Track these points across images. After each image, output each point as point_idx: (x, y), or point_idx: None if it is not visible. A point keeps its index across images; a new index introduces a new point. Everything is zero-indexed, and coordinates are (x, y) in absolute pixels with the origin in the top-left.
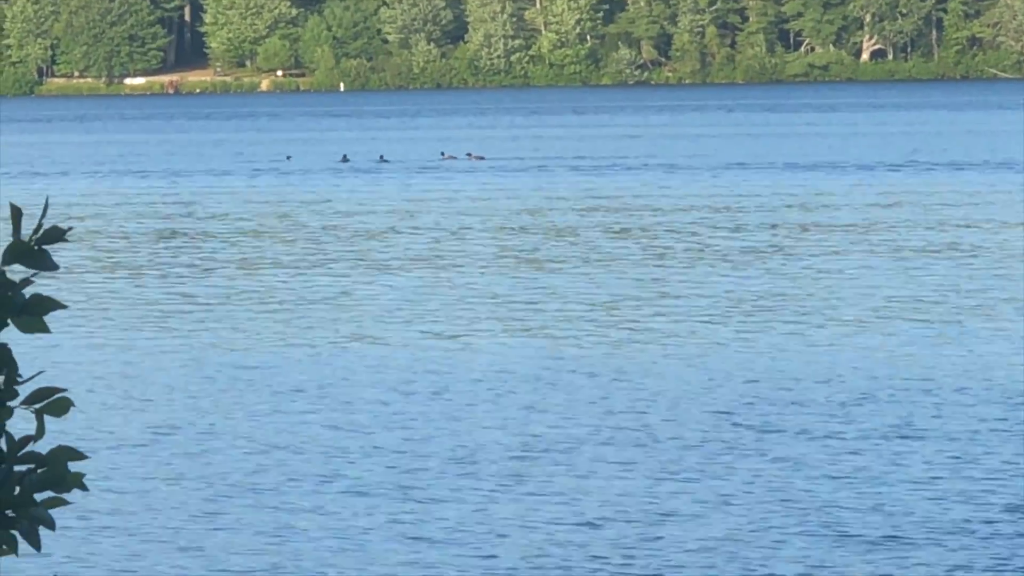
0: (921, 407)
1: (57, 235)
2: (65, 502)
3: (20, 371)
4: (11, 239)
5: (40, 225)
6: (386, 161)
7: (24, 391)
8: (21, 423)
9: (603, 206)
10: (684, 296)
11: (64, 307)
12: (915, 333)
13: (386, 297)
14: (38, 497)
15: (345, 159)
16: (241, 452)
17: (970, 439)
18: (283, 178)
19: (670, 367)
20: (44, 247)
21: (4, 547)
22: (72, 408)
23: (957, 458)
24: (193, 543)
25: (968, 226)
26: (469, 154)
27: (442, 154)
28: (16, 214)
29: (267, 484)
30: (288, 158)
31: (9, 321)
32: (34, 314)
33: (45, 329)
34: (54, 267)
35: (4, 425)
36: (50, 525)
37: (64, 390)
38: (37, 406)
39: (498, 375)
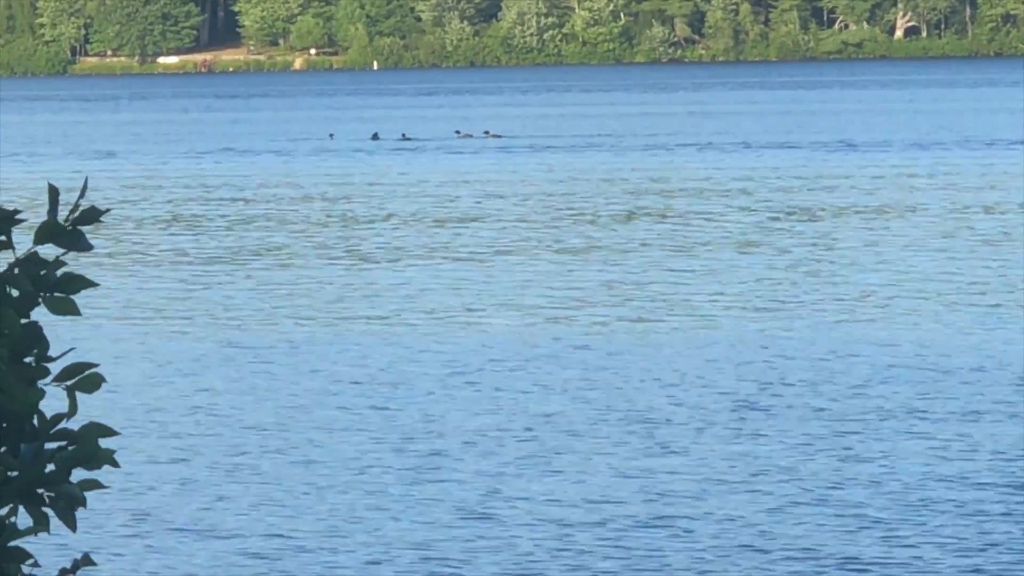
0: (940, 390)
1: (93, 216)
2: (101, 485)
3: (50, 350)
4: (46, 218)
5: (77, 205)
6: (408, 139)
7: (54, 370)
8: (51, 401)
9: (615, 186)
10: (705, 278)
11: (95, 285)
12: (943, 316)
13: (398, 283)
14: (73, 478)
15: (376, 137)
16: (262, 436)
17: (992, 422)
18: (314, 157)
19: (690, 349)
20: (79, 227)
21: (37, 524)
22: (103, 384)
23: (974, 441)
24: (209, 526)
25: (1004, 208)
26: (486, 132)
27: (457, 132)
28: (53, 194)
29: (284, 467)
30: (331, 136)
31: (40, 302)
32: (66, 292)
33: (76, 311)
34: (88, 248)
35: (37, 405)
36: (81, 502)
37: (95, 365)
38: (69, 383)
39: (520, 360)
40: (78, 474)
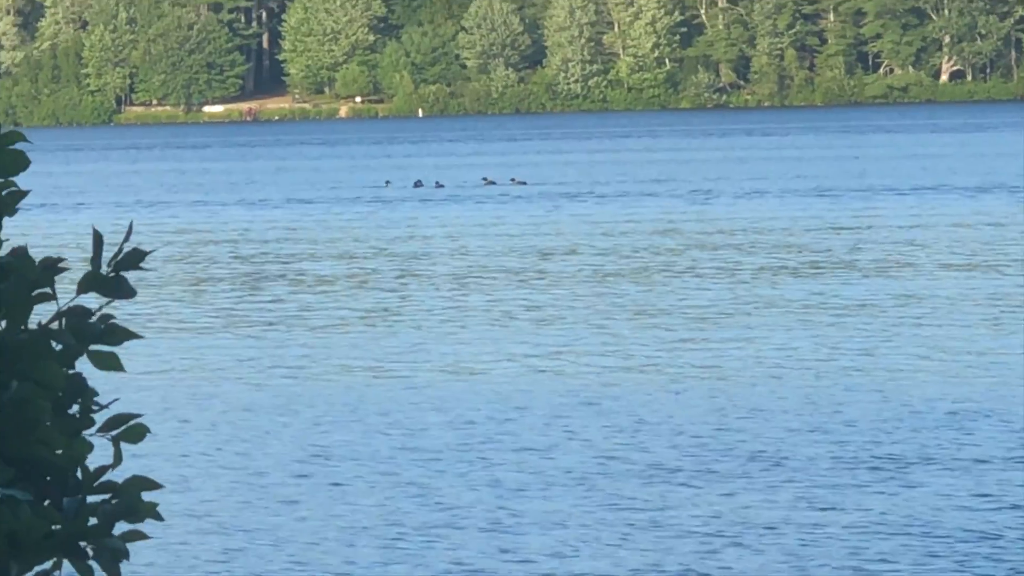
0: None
1: (138, 259)
2: (144, 536)
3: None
4: (89, 268)
5: (121, 249)
6: (441, 186)
7: (99, 419)
8: (97, 451)
9: (637, 233)
10: (734, 326)
11: (138, 337)
12: (969, 361)
13: (426, 320)
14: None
15: (419, 184)
16: (300, 470)
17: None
18: (359, 205)
19: (717, 399)
20: (122, 274)
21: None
22: (147, 435)
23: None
24: (251, 557)
25: None
26: (512, 179)
27: (484, 179)
28: (97, 239)
29: (323, 502)
30: (387, 183)
31: (85, 355)
32: (109, 343)
33: (120, 367)
34: (131, 293)
35: (84, 458)
36: (124, 555)
37: (139, 416)
38: (113, 433)
39: (546, 411)
40: (122, 524)
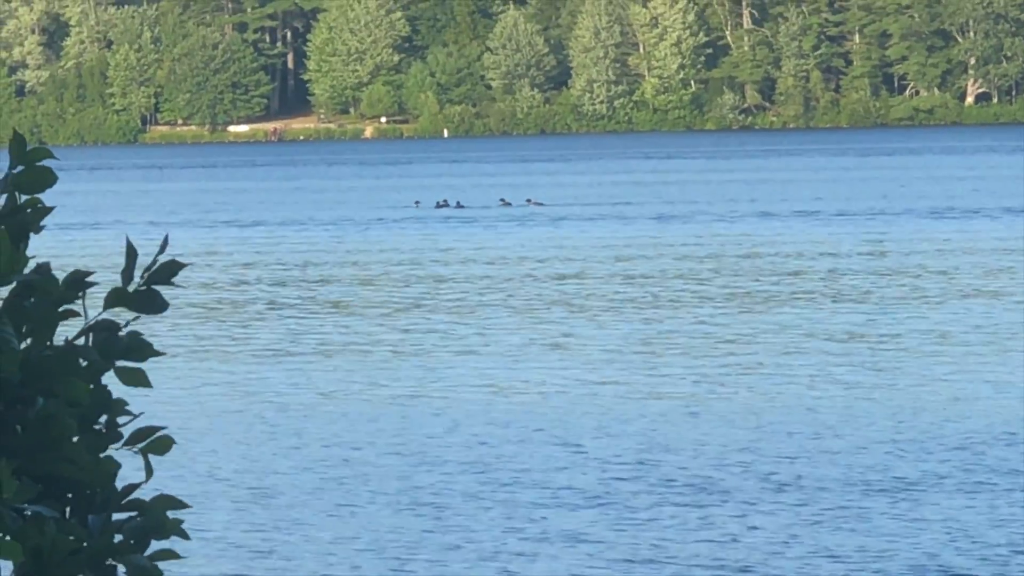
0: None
1: (173, 270)
2: (176, 555)
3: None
4: (119, 283)
5: (156, 261)
6: (462, 207)
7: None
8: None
9: (653, 255)
10: (755, 348)
11: (162, 354)
12: (1005, 379)
13: (438, 344)
14: (146, 550)
15: (442, 204)
16: (311, 490)
17: None
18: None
19: (735, 417)
20: (154, 287)
21: None
22: (173, 446)
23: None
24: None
25: None
26: (528, 200)
27: (502, 200)
28: (131, 254)
29: (340, 531)
30: (417, 203)
31: (111, 370)
32: (133, 359)
33: (147, 383)
34: (163, 307)
35: (113, 475)
36: (155, 574)
37: (163, 428)
38: (140, 445)
39: (562, 427)
40: (155, 544)
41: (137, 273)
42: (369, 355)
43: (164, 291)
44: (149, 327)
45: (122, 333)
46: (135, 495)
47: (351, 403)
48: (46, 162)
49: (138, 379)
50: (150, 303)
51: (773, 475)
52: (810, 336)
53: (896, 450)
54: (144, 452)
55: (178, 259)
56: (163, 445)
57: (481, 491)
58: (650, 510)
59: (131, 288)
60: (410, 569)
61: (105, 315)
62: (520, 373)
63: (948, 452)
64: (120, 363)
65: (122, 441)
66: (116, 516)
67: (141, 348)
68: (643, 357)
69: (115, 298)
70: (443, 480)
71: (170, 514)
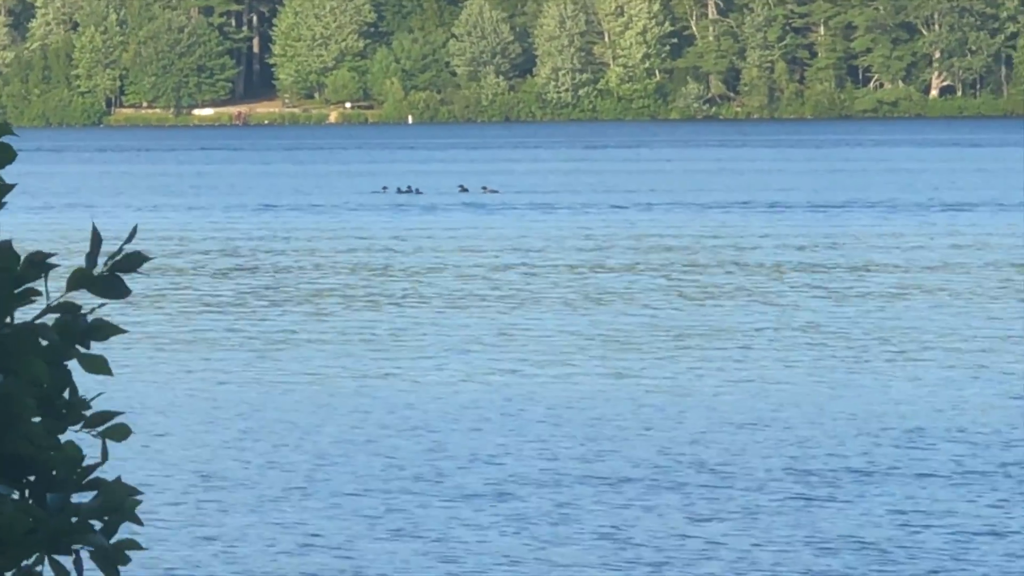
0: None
1: (137, 262)
2: (139, 546)
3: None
4: (81, 266)
5: (121, 250)
6: (420, 193)
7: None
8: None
9: (595, 244)
10: (718, 336)
11: (123, 332)
12: (960, 374)
13: (387, 332)
14: (111, 535)
15: (405, 190)
16: (291, 486)
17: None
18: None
19: (694, 405)
20: (117, 273)
21: None
22: (130, 435)
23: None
24: (238, 568)
25: None
26: (483, 187)
27: (460, 187)
28: (96, 240)
29: (311, 508)
30: (384, 188)
31: (73, 356)
32: (94, 339)
33: (108, 371)
34: (125, 293)
35: (77, 459)
36: (122, 561)
37: (120, 414)
38: (99, 429)
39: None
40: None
41: (102, 260)
42: (322, 343)
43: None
44: (103, 311)
45: (83, 313)
46: (93, 476)
47: (306, 389)
48: (5, 139)
49: (99, 367)
50: (112, 289)
51: (722, 466)
52: (764, 328)
53: (837, 440)
54: (103, 436)
55: (143, 250)
56: (121, 432)
57: (432, 478)
58: (598, 499)
59: (95, 272)
60: (358, 555)
61: (67, 296)
62: (465, 362)
63: (897, 445)
64: (81, 350)
65: (81, 423)
66: (75, 498)
67: (102, 329)
68: (593, 346)
69: (78, 280)
70: (394, 467)
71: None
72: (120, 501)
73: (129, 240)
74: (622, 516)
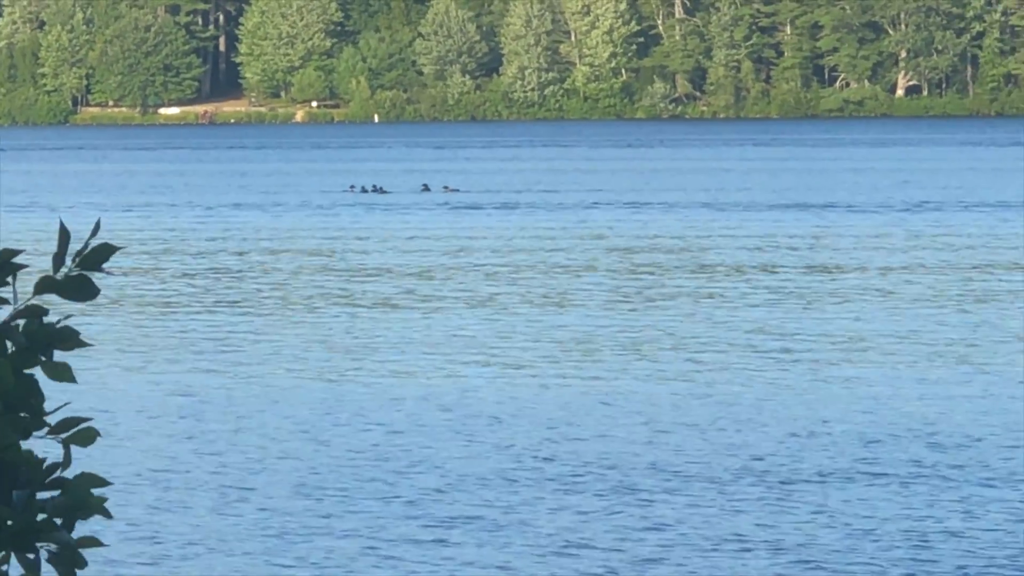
0: (932, 451)
1: (104, 256)
2: (99, 543)
3: (48, 404)
4: (53, 262)
5: (87, 245)
6: (385, 192)
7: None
8: (49, 453)
9: (553, 245)
10: (681, 336)
11: (88, 345)
12: (920, 376)
13: (353, 333)
14: (72, 530)
15: (370, 189)
16: (265, 490)
17: (993, 482)
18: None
19: (667, 408)
20: (85, 273)
21: (28, 573)
22: (98, 439)
23: (982, 502)
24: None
25: (999, 269)
26: (445, 187)
27: (423, 186)
28: (64, 237)
29: (282, 512)
30: (352, 188)
31: (38, 363)
32: (62, 348)
33: (72, 379)
34: (94, 294)
35: (37, 458)
36: (80, 564)
37: (89, 420)
38: (64, 436)
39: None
40: (78, 532)
41: (69, 258)
42: (279, 343)
43: (94, 277)
44: (69, 310)
45: (49, 320)
46: (58, 475)
47: (263, 389)
48: None
49: (63, 374)
50: (81, 290)
51: (679, 467)
52: (721, 329)
53: (795, 442)
54: (67, 443)
55: (108, 241)
56: (87, 436)
57: (385, 478)
58: (547, 501)
59: (62, 273)
60: (306, 554)
61: (34, 300)
62: (421, 362)
63: (852, 447)
64: (45, 358)
65: (46, 429)
66: (40, 495)
67: (68, 338)
68: (546, 348)
69: (45, 285)
70: (348, 467)
71: (94, 492)
72: (86, 498)
73: (94, 234)
74: (573, 518)
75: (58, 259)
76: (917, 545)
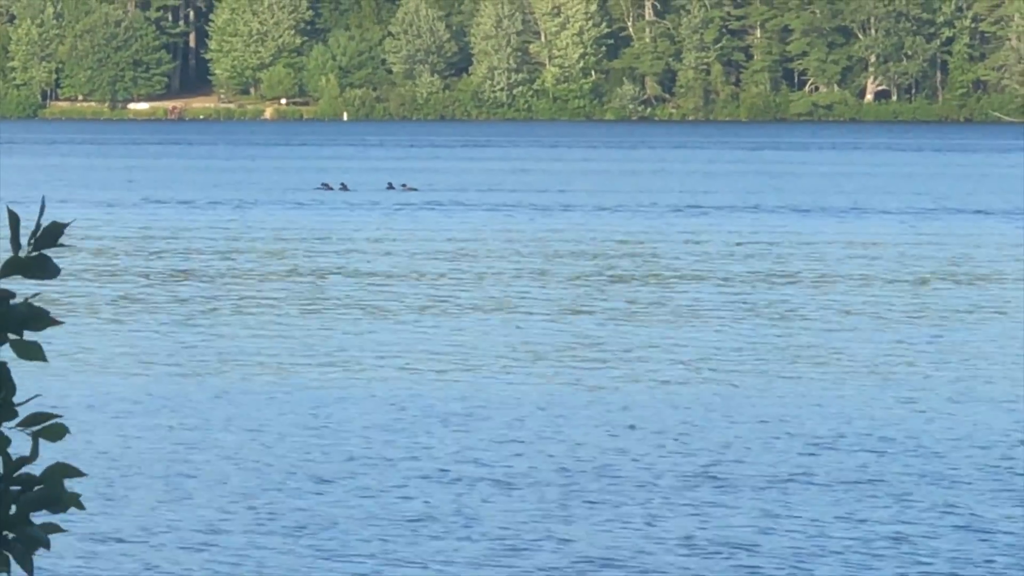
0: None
1: (55, 234)
2: (60, 529)
3: (17, 391)
4: (10, 247)
5: (39, 225)
6: (347, 189)
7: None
8: (18, 444)
9: (514, 247)
10: (654, 342)
11: (59, 323)
12: (894, 386)
13: (321, 335)
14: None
15: (343, 187)
16: (239, 486)
17: (977, 494)
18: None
19: (645, 413)
20: (43, 253)
21: None
22: (67, 434)
23: (964, 512)
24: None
25: (970, 277)
26: (403, 184)
27: (389, 184)
28: (14, 221)
29: (264, 513)
30: (325, 185)
31: (7, 342)
32: (31, 329)
33: (43, 357)
34: (55, 272)
35: (3, 447)
36: (45, 545)
37: (58, 416)
38: (33, 429)
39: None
40: (40, 517)
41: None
42: (238, 340)
43: (55, 256)
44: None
45: (16, 303)
46: (27, 470)
47: (221, 388)
48: None
49: (33, 353)
50: (42, 269)
51: (636, 470)
52: (680, 333)
53: (760, 447)
54: (36, 436)
55: (57, 220)
56: (56, 432)
57: (337, 478)
58: (495, 503)
59: (22, 255)
60: (259, 554)
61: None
62: (377, 364)
63: (804, 453)
64: (13, 337)
65: (16, 420)
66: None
67: (38, 317)
68: (506, 351)
69: (11, 267)
70: (306, 465)
71: (66, 483)
72: (60, 491)
73: (41, 214)
74: (518, 518)
75: (14, 242)
76: (865, 552)
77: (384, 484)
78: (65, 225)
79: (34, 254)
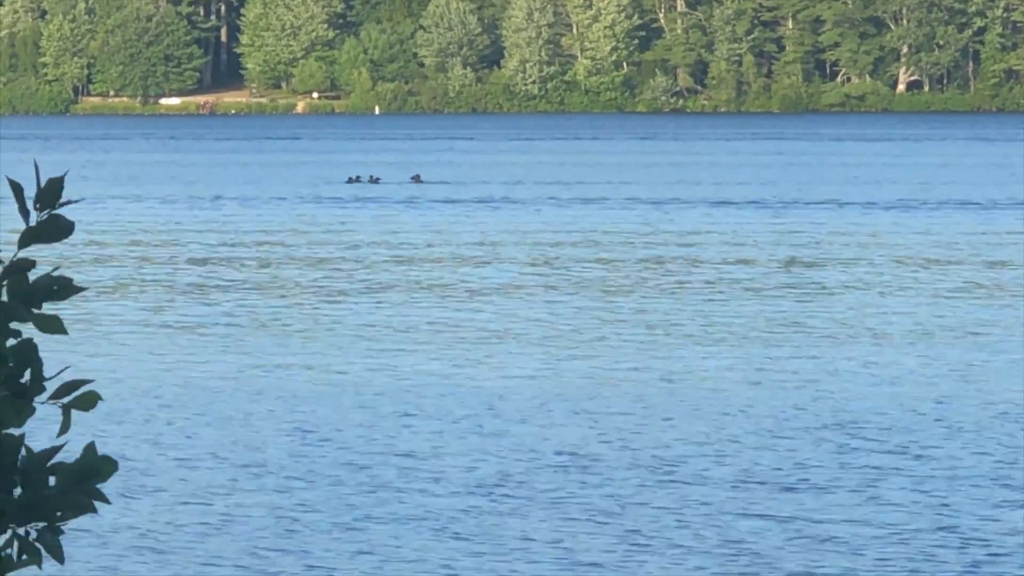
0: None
1: (56, 189)
2: (105, 498)
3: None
4: (19, 214)
5: (38, 184)
6: (377, 181)
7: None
8: (46, 424)
9: (513, 240)
10: (680, 326)
11: (84, 289)
12: (924, 373)
13: (336, 323)
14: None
15: (371, 180)
16: (251, 480)
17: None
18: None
19: (659, 397)
20: (53, 212)
21: (26, 557)
22: (99, 402)
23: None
24: (207, 554)
25: (996, 265)
26: (412, 177)
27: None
28: (17, 190)
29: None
30: (357, 178)
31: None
32: (57, 298)
33: (63, 330)
34: (70, 229)
35: (22, 426)
36: (93, 509)
37: (90, 382)
38: (65, 400)
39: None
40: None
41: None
42: (246, 330)
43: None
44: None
45: (38, 276)
46: (57, 445)
47: (249, 380)
48: None
49: (54, 326)
50: (56, 228)
51: (646, 462)
52: (708, 322)
53: (751, 442)
54: (67, 407)
55: (53, 177)
56: (88, 400)
57: (337, 473)
58: (483, 496)
59: (34, 220)
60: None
61: (21, 255)
62: (389, 354)
63: (786, 449)
64: (34, 311)
65: (47, 394)
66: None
67: (64, 287)
68: (512, 340)
69: (27, 237)
70: (322, 460)
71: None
72: (98, 464)
73: (38, 176)
74: (522, 516)
75: (23, 211)
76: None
77: (397, 483)
78: (62, 180)
79: (44, 216)
